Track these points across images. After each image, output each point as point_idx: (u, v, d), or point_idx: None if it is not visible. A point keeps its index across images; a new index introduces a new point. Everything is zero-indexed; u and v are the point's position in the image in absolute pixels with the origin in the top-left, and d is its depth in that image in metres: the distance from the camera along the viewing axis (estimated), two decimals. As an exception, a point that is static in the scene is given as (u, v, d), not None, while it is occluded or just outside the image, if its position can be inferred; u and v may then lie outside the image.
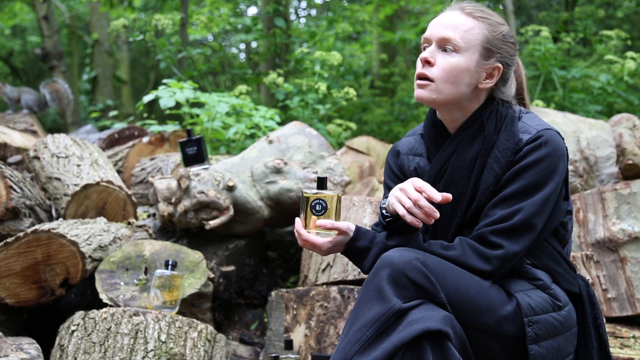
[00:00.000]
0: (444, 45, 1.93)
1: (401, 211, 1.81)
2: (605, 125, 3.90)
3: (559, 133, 1.95)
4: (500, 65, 1.97)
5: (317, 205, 1.90)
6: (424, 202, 1.78)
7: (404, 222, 1.90)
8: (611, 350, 2.39)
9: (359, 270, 2.87)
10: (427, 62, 1.94)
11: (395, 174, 2.15)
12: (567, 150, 1.97)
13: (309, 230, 1.91)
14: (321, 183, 1.93)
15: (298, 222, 1.94)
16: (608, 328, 2.92)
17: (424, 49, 1.99)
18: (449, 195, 1.81)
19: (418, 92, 1.97)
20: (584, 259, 2.87)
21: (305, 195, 1.91)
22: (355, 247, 1.95)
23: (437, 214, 1.79)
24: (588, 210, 3.21)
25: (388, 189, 2.16)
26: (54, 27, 10.51)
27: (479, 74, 1.96)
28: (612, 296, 3.06)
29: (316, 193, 1.90)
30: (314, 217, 1.90)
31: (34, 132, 5.30)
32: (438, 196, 1.78)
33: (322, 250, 1.94)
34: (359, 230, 1.96)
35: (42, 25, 10.41)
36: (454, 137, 2.01)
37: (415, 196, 1.79)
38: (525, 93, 2.14)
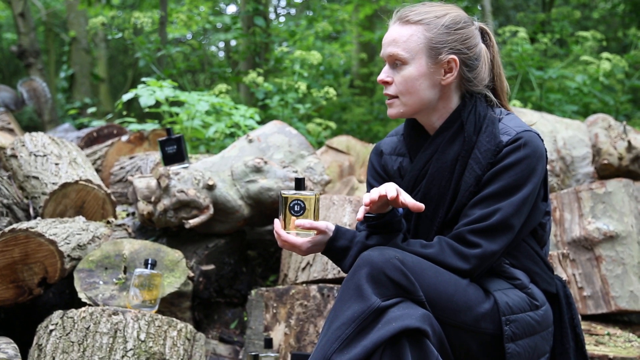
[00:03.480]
0: (393, 61, 1.99)
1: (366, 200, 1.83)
2: (581, 126, 3.95)
3: (538, 134, 1.97)
4: (453, 56, 1.97)
5: (296, 206, 1.92)
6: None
7: (385, 220, 1.92)
8: (587, 347, 2.43)
9: (338, 269, 2.89)
10: (385, 83, 2.01)
11: (379, 174, 2.16)
12: (546, 151, 1.99)
13: (289, 231, 1.93)
14: (299, 184, 1.95)
15: (277, 223, 1.95)
16: (583, 325, 2.96)
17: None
18: (422, 206, 1.83)
19: (389, 111, 2.04)
20: (560, 258, 2.91)
21: (283, 196, 1.93)
22: (335, 246, 1.96)
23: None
24: (564, 209, 3.25)
25: (371, 188, 2.17)
26: (30, 24, 10.40)
27: (436, 73, 1.98)
28: (587, 294, 3.11)
29: (294, 194, 1.92)
30: (292, 217, 1.92)
31: (10, 131, 5.25)
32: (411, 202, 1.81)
33: (302, 250, 1.96)
34: (338, 229, 1.97)
35: (19, 22, 10.30)
36: (434, 137, 2.03)
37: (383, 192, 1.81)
38: (500, 70, 2.10)
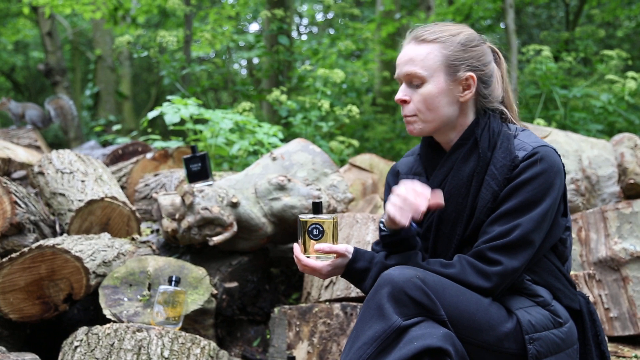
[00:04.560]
0: (410, 80, 1.99)
1: (391, 211, 1.85)
2: (606, 145, 3.92)
3: (555, 150, 1.97)
4: (471, 73, 1.99)
5: (314, 230, 1.93)
6: (409, 196, 1.84)
7: (401, 237, 1.92)
8: (613, 369, 2.39)
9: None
10: (403, 102, 2.01)
11: None
12: (563, 167, 1.98)
13: (309, 255, 1.94)
14: (317, 207, 1.95)
15: (297, 247, 1.96)
16: (610, 347, 2.92)
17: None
18: (442, 202, 1.86)
19: (409, 128, 2.04)
20: (586, 278, 2.88)
21: (301, 220, 1.94)
22: (354, 268, 1.97)
23: (422, 207, 1.83)
24: (590, 229, 3.22)
25: None
26: (57, 43, 10.59)
27: (454, 90, 1.99)
28: (614, 315, 3.07)
29: (312, 218, 1.93)
30: (312, 241, 1.93)
31: (37, 148, 5.33)
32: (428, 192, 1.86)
33: (322, 273, 1.96)
34: (357, 251, 1.97)
35: (46, 41, 10.49)
36: (449, 155, 2.03)
37: (403, 192, 1.84)
38: (508, 87, 2.13)
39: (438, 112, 1.99)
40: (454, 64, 1.98)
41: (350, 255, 1.96)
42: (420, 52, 1.98)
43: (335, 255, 1.94)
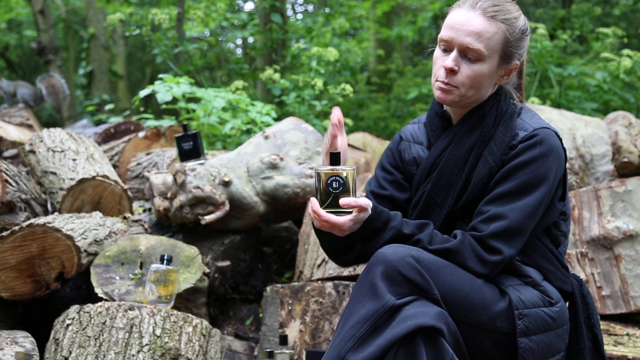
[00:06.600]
0: (466, 52, 1.92)
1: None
2: (601, 123, 3.90)
3: (557, 133, 1.95)
4: (518, 62, 1.99)
5: (334, 183, 1.77)
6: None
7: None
8: (605, 347, 2.40)
9: (354, 266, 2.88)
10: (452, 71, 1.93)
11: (394, 157, 2.16)
12: (564, 150, 1.97)
13: (329, 211, 1.78)
14: (335, 158, 1.80)
15: (314, 202, 1.78)
16: (602, 325, 2.93)
17: (442, 49, 1.96)
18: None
19: (440, 95, 1.96)
20: (578, 257, 2.88)
21: (319, 172, 1.78)
22: (370, 227, 1.84)
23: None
24: (583, 207, 3.21)
25: (381, 168, 2.17)
26: (50, 22, 10.47)
27: (499, 74, 1.98)
28: (606, 294, 3.07)
29: (331, 169, 1.78)
30: (331, 195, 1.78)
31: (29, 126, 5.29)
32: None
33: (344, 229, 1.79)
34: (375, 208, 1.84)
35: (38, 20, 10.37)
36: (454, 127, 2.02)
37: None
38: (523, 76, 2.11)
39: (479, 91, 1.95)
40: (510, 52, 1.95)
41: (370, 211, 1.82)
42: (489, 30, 1.90)
43: (357, 209, 1.79)
